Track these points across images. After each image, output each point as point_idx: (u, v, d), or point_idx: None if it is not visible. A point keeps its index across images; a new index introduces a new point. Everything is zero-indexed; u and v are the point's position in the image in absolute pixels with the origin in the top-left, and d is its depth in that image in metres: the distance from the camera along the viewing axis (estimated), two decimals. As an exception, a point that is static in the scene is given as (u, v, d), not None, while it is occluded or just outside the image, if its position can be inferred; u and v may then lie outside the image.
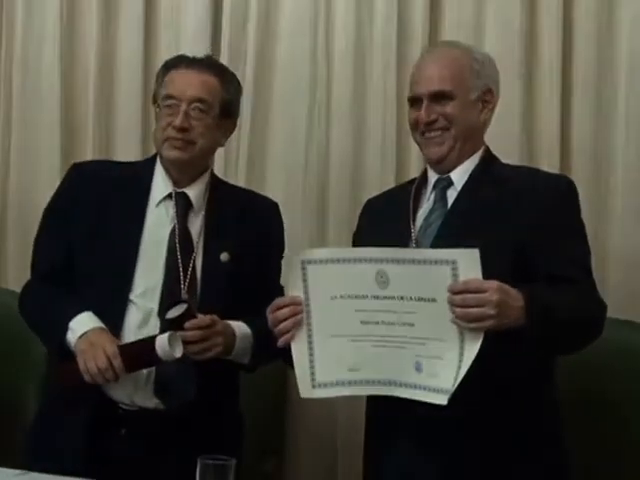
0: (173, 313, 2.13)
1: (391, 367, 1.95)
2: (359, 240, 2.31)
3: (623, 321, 2.51)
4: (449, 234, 2.07)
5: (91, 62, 3.15)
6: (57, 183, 2.46)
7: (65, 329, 2.18)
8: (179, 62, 2.35)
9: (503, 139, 2.70)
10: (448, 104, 2.15)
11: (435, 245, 2.07)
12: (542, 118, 2.87)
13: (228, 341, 2.19)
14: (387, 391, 1.97)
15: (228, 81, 2.35)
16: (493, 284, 1.86)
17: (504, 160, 2.28)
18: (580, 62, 2.87)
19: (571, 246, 2.08)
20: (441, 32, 2.96)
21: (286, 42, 3.05)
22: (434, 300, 1.88)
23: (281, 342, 2.03)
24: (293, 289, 2.02)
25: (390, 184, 2.84)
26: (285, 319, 2.01)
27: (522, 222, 2.05)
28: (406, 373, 1.93)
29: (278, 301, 2.04)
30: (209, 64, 2.35)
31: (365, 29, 2.98)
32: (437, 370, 1.89)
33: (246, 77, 2.95)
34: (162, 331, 2.16)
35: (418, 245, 2.11)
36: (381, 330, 1.94)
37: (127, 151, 3.08)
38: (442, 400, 1.86)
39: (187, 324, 2.11)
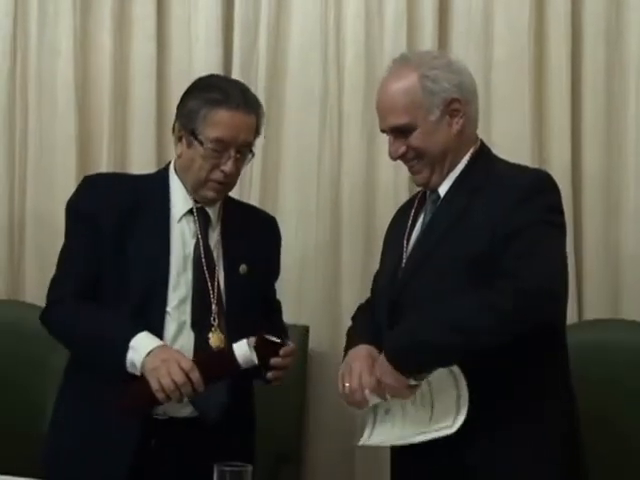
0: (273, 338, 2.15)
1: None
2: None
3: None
4: (422, 247, 2.10)
5: (105, 75, 3.16)
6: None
7: (125, 348, 2.12)
8: (226, 101, 2.23)
9: (514, 142, 2.74)
10: (410, 136, 2.10)
11: (411, 257, 2.11)
12: (552, 121, 2.88)
13: None
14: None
15: (261, 116, 2.32)
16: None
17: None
18: (589, 65, 2.88)
19: (522, 241, 1.96)
20: (450, 39, 2.97)
21: (297, 53, 3.07)
22: None
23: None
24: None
25: (403, 193, 2.85)
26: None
27: (486, 228, 2.00)
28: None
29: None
30: (252, 103, 2.30)
31: (375, 39, 3.00)
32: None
33: (258, 88, 2.96)
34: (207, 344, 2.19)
35: (407, 262, 2.13)
36: None
37: (142, 164, 3.07)
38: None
39: (282, 351, 2.14)
